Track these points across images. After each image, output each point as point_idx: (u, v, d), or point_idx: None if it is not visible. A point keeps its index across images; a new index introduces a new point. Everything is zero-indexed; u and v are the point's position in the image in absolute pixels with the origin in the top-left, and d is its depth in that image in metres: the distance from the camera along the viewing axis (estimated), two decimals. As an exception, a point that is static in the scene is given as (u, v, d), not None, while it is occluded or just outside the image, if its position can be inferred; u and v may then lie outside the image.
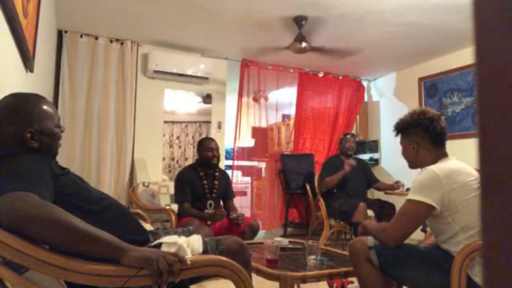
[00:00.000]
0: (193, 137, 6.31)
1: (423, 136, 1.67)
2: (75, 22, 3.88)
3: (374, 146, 5.64)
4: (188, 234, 1.54)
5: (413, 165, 1.76)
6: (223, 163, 4.62)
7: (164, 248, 1.17)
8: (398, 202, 2.42)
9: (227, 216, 2.89)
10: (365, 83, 5.74)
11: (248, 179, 5.82)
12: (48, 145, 1.24)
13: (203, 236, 1.41)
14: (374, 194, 4.61)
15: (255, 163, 5.74)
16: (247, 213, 4.80)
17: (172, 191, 3.39)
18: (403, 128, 1.76)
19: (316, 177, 4.01)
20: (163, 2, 3.37)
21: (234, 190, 3.30)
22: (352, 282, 2.38)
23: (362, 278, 1.63)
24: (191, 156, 6.25)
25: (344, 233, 4.42)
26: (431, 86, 4.86)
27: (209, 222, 2.84)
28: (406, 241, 1.61)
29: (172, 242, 1.21)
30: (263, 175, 5.58)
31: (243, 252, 1.44)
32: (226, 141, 4.97)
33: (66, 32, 4.00)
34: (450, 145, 1.70)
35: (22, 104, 1.22)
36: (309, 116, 5.35)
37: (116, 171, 4.11)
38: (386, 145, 5.47)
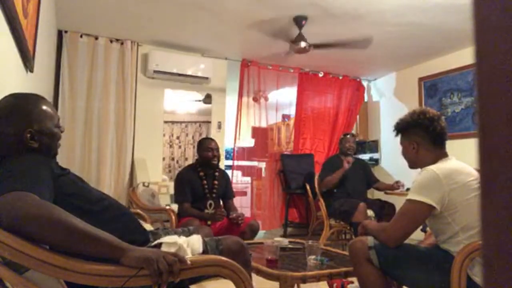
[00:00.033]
0: (193, 137, 6.31)
1: (423, 136, 1.68)
2: (75, 22, 3.88)
3: (374, 146, 5.64)
4: (188, 234, 1.54)
5: (413, 165, 1.76)
6: (223, 163, 4.61)
7: (164, 248, 1.17)
8: (398, 202, 2.42)
9: (227, 216, 2.89)
10: (365, 83, 5.74)
11: (248, 179, 5.81)
12: (48, 145, 1.24)
13: (203, 236, 1.41)
14: (374, 194, 4.61)
15: (255, 163, 5.74)
16: (247, 213, 4.79)
17: (172, 191, 3.39)
18: (403, 128, 1.76)
19: (316, 177, 4.01)
20: (163, 2, 3.36)
21: (234, 190, 3.30)
22: (352, 282, 2.38)
23: (362, 278, 1.63)
24: (191, 156, 6.26)
25: (344, 233, 4.42)
26: (431, 86, 4.86)
27: (209, 222, 2.84)
28: (406, 241, 1.61)
29: (172, 242, 1.21)
30: (263, 175, 5.57)
31: (243, 252, 1.44)
32: (226, 141, 4.97)
33: (66, 32, 3.99)
34: (450, 145, 1.70)
35: (22, 104, 1.22)
36: (309, 116, 5.34)
37: (116, 171, 4.11)
38: (386, 145, 5.47)
